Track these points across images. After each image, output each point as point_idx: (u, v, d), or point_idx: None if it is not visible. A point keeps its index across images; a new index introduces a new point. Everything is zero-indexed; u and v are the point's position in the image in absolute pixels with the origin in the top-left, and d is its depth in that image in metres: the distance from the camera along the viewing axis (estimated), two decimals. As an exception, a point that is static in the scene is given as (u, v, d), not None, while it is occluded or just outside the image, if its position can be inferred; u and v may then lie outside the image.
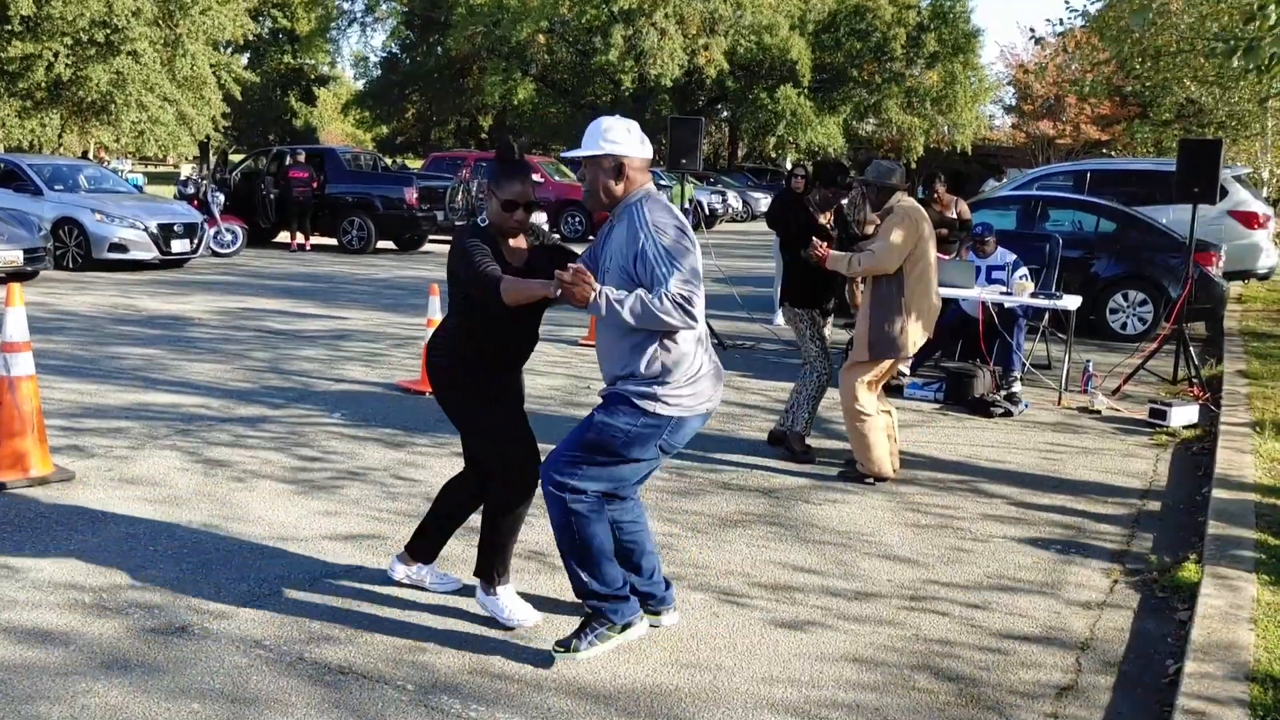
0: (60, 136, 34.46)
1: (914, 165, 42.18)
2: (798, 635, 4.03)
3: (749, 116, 42.14)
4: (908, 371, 8.65)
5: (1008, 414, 7.94)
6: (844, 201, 6.93)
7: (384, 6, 47.71)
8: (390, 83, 49.77)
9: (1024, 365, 8.59)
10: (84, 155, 37.65)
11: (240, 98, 37.95)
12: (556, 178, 25.62)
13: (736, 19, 39.11)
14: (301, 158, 20.17)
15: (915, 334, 5.97)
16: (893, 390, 8.31)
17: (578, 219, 24.89)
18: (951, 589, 4.56)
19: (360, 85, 55.68)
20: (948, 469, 6.46)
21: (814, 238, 6.16)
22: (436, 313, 7.97)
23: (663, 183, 28.70)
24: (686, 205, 20.98)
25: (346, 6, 48.92)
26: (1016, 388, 8.38)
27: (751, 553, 4.90)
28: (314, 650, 3.74)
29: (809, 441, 6.58)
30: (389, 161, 27.68)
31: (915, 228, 5.85)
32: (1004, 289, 8.70)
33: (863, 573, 4.71)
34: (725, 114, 47.99)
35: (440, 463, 6.13)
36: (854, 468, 6.16)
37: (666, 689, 3.56)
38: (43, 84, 30.61)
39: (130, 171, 43.10)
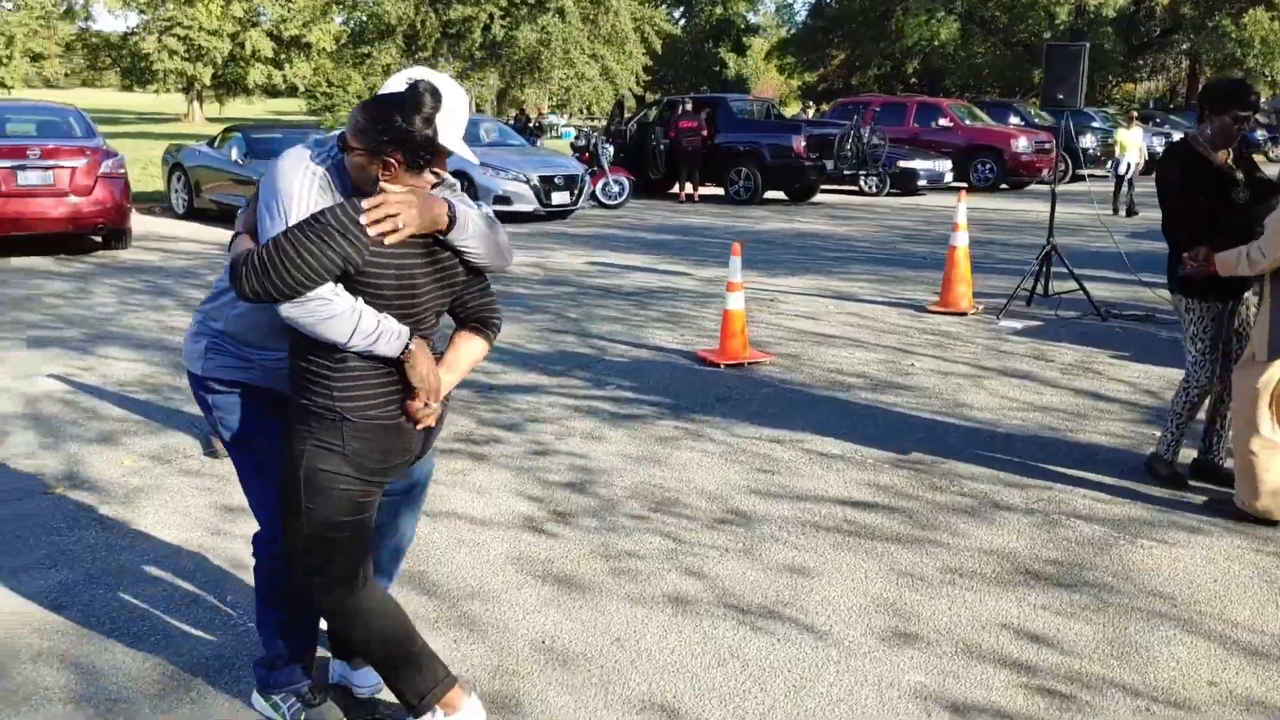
0: (507, 93, 36.93)
1: None
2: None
3: (1211, 47, 37.00)
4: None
5: None
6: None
7: (809, -51, 46.62)
8: (814, 29, 48.85)
9: None
10: (520, 111, 40.11)
11: (661, 51, 38.64)
12: (967, 121, 23.64)
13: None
14: (689, 107, 19.91)
15: None
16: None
17: (988, 166, 22.80)
18: (1306, 712, 3.09)
19: (784, 33, 55.22)
20: (1364, 507, 4.69)
21: (1184, 255, 4.57)
22: (737, 274, 7.12)
23: (1037, 121, 25.69)
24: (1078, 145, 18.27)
25: (773, -48, 48.36)
26: None
27: (1020, 613, 3.65)
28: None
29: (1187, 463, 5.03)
30: (801, 109, 26.60)
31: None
32: None
33: (1175, 665, 3.33)
34: (1184, 45, 42.59)
35: (687, 455, 5.30)
36: (1231, 501, 4.61)
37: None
38: (479, 44, 32.78)
39: (565, 126, 45.68)
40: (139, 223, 13.39)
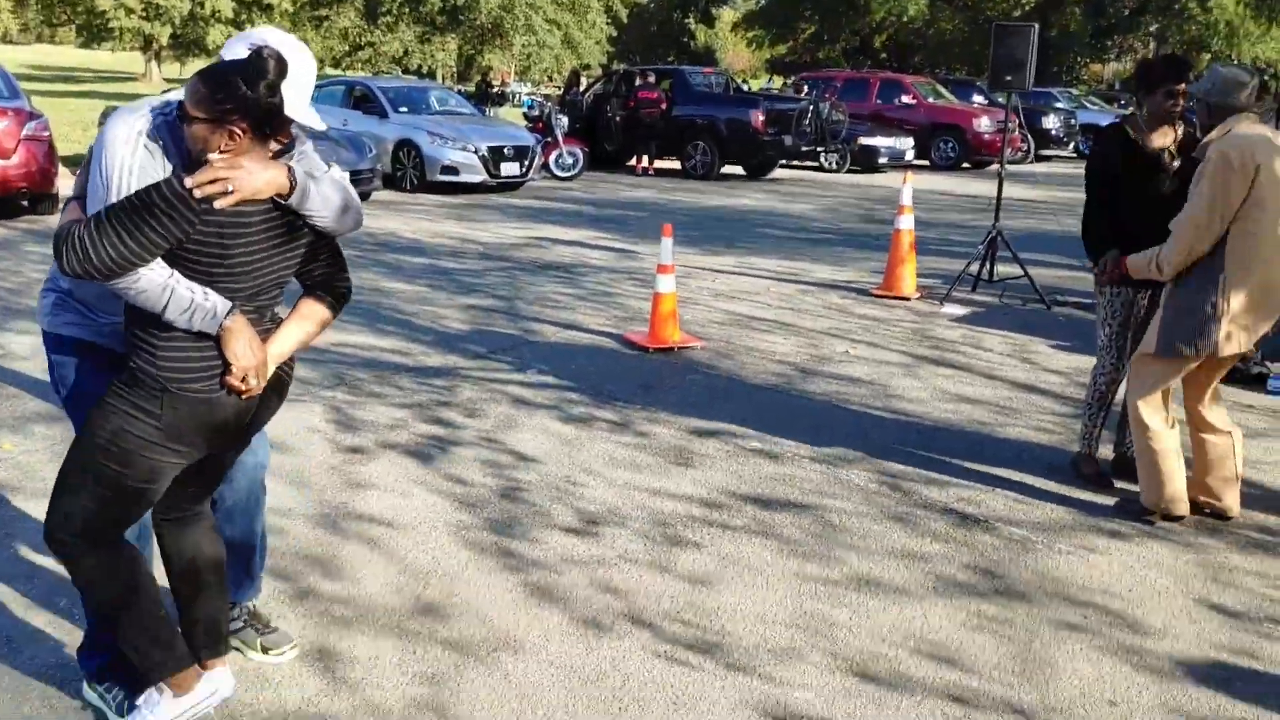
0: (474, 60, 36.35)
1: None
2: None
3: (1177, 29, 37.03)
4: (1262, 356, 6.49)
5: None
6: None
7: (779, -79, 46.10)
8: (783, 2, 48.40)
9: None
10: (484, 79, 39.54)
11: (626, 20, 38.24)
12: (930, 99, 23.46)
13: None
14: (651, 79, 19.61)
15: (1241, 328, 4.08)
16: (1249, 379, 6.27)
17: (950, 144, 22.63)
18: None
19: (754, 3, 54.73)
20: (1291, 512, 4.55)
21: (1101, 258, 4.44)
22: (669, 256, 6.88)
23: (1001, 100, 25.55)
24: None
25: (741, -78, 47.80)
26: None
27: (924, 626, 3.47)
28: None
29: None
30: (771, 81, 26.07)
31: (1242, 171, 3.94)
32: None
33: (1078, 684, 3.16)
34: (1151, 27, 42.59)
35: (601, 446, 5.09)
36: (1136, 499, 4.45)
37: None
38: (440, 8, 32.27)
39: (529, 94, 45.03)
40: (70, 186, 12.95)
